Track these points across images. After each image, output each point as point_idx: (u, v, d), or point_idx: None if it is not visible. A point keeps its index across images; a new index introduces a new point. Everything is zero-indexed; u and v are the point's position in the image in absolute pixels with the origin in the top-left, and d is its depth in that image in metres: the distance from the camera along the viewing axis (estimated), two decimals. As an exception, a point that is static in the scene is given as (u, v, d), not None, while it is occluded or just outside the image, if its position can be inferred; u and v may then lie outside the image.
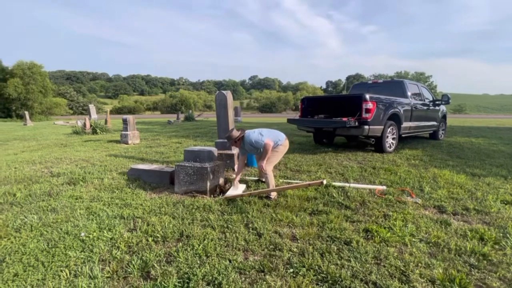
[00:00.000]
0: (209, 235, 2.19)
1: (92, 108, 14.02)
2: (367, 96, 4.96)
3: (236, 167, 4.13)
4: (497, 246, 2.05)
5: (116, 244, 2.06)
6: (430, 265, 1.81)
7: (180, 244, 2.07)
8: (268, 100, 61.80)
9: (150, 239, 2.13)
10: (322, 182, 2.37)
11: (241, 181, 3.59)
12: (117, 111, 53.67)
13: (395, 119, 5.66)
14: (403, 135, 6.16)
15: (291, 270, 1.76)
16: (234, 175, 3.52)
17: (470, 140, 7.87)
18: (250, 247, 2.03)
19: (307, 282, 1.64)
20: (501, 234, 2.22)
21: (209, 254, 1.92)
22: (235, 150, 4.26)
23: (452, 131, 10.78)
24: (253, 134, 3.18)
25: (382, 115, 5.26)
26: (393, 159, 4.97)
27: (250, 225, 2.37)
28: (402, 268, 1.77)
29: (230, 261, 1.85)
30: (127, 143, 7.19)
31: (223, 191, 3.26)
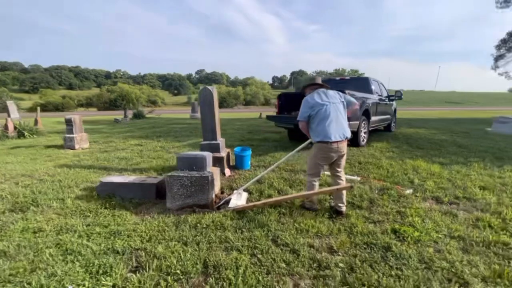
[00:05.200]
0: (239, 261, 1.84)
1: (11, 105, 11.38)
2: (346, 92, 5.07)
3: (226, 170, 3.75)
4: (508, 233, 2.23)
5: (124, 294, 1.55)
6: (471, 262, 1.84)
7: (211, 279, 1.67)
8: (218, 94, 60.60)
9: (169, 278, 1.67)
10: (351, 186, 2.24)
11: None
12: (40, 108, 45.13)
13: (366, 114, 5.99)
14: (370, 129, 6.59)
15: (354, 291, 1.57)
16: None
17: (416, 131, 8.96)
18: (294, 269, 1.77)
19: (378, 304, 1.47)
20: (500, 220, 2.45)
21: (253, 288, 1.59)
22: (223, 153, 3.86)
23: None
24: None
25: (358, 111, 5.48)
26: (371, 152, 5.24)
27: (279, 241, 2.10)
28: (453, 270, 1.75)
29: (282, 292, 1.56)
30: (73, 148, 5.96)
31: (220, 201, 2.87)
